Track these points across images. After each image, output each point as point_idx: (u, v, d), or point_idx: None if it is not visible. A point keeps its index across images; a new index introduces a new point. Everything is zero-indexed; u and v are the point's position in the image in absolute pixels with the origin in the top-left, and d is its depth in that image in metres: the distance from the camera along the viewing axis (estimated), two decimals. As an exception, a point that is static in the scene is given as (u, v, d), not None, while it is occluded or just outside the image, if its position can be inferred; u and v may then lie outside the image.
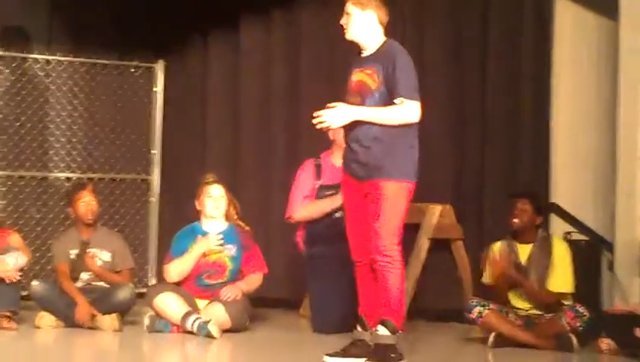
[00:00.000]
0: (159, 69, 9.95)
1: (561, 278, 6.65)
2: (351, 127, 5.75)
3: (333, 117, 5.69)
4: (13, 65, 9.30)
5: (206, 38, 9.65)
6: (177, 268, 7.22)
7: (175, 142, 9.87)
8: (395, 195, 5.69)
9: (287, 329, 7.46)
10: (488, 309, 6.59)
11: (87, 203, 7.62)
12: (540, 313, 6.65)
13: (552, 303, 6.57)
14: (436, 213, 7.64)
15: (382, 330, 5.69)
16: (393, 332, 5.69)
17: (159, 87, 9.96)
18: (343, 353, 5.79)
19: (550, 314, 6.57)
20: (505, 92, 7.81)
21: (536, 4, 7.71)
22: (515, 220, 6.79)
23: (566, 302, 6.56)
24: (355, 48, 5.94)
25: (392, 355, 5.65)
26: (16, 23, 9.21)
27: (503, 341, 6.50)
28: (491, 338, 6.55)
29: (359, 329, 5.87)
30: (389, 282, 5.67)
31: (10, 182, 9.27)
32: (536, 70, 7.69)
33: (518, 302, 6.73)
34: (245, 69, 9.40)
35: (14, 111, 9.28)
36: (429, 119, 7.84)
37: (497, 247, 6.85)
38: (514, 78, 7.79)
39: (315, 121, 5.72)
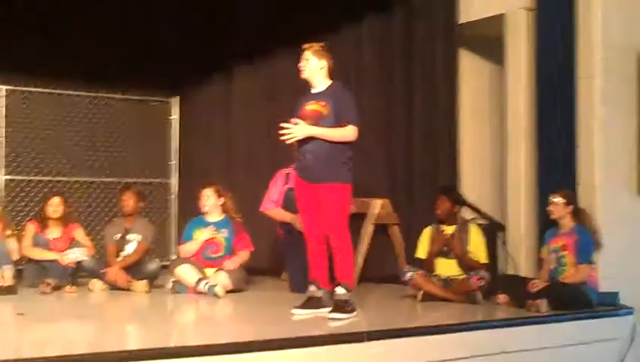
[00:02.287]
0: (174, 102, 9.90)
1: (479, 252, 6.63)
2: (305, 141, 5.68)
3: (296, 131, 5.64)
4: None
5: (210, 79, 9.58)
6: (186, 249, 7.21)
7: (187, 155, 9.81)
8: (339, 194, 5.65)
9: (272, 290, 7.38)
10: (417, 274, 6.55)
11: (125, 201, 7.55)
12: (454, 277, 6.60)
13: (472, 266, 6.53)
14: (378, 206, 7.59)
15: (339, 290, 5.65)
16: (348, 290, 5.66)
17: (174, 116, 9.91)
18: (304, 306, 5.76)
19: (462, 277, 6.54)
20: (425, 116, 7.72)
21: (446, 54, 7.68)
22: (438, 211, 6.76)
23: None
24: (307, 85, 5.88)
25: (349, 307, 5.63)
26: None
27: (427, 297, 6.47)
28: (419, 296, 6.51)
29: (313, 288, 5.82)
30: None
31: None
32: (448, 98, 7.61)
33: (440, 270, 6.68)
34: (237, 103, 9.34)
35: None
36: (369, 135, 7.86)
37: (428, 231, 6.81)
38: (432, 108, 7.71)
39: (282, 132, 5.65)
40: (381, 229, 7.67)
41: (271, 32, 8.56)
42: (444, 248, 6.65)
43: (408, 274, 6.56)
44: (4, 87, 8.80)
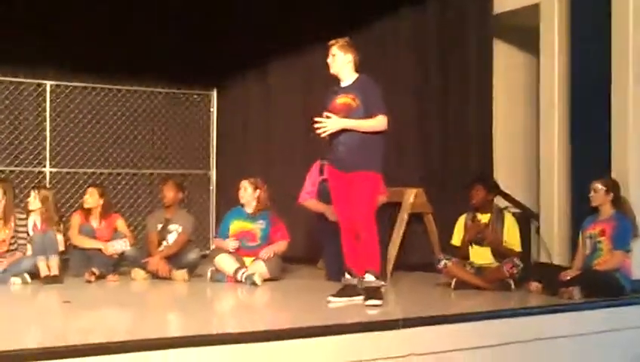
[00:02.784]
0: (213, 96, 9.99)
1: (513, 241, 6.64)
2: (338, 133, 5.76)
3: (329, 125, 5.72)
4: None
5: (248, 73, 9.67)
6: (219, 246, 7.33)
7: (226, 147, 9.89)
8: (370, 182, 5.73)
9: (309, 278, 7.46)
10: (451, 262, 6.59)
11: (165, 192, 7.68)
12: (488, 264, 6.63)
13: (506, 255, 6.55)
14: (412, 195, 7.61)
15: (368, 277, 5.72)
16: (377, 277, 5.73)
17: (214, 109, 10.00)
18: (340, 294, 5.82)
19: (495, 265, 6.57)
20: (459, 106, 7.73)
21: (480, 44, 7.67)
22: (473, 200, 6.78)
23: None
24: (335, 80, 5.95)
25: (377, 294, 5.69)
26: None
27: (461, 284, 6.51)
28: (453, 283, 6.55)
29: (347, 276, 5.88)
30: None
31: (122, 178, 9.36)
32: (482, 88, 7.59)
33: (474, 257, 6.71)
34: (274, 96, 9.41)
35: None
36: (403, 126, 7.93)
37: (463, 218, 6.84)
38: (466, 99, 7.73)
39: (316, 127, 5.74)
40: (416, 218, 7.70)
41: (306, 27, 8.62)
42: (478, 236, 6.68)
43: (442, 262, 6.59)
44: (49, 83, 8.97)
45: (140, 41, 8.99)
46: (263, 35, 9.09)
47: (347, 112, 5.75)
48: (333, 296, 5.83)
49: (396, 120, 7.94)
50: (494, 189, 6.93)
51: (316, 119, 5.73)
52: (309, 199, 7.38)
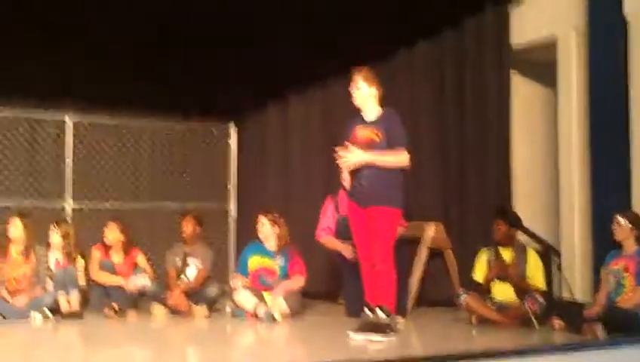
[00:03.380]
0: (232, 129, 10.03)
1: (537, 278, 6.59)
2: (360, 167, 5.75)
3: (351, 158, 5.71)
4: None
5: (265, 106, 9.71)
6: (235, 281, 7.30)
7: (245, 180, 9.91)
8: (389, 218, 5.70)
9: (328, 314, 7.42)
10: (471, 297, 6.55)
11: (184, 226, 7.69)
12: (510, 301, 6.58)
13: (529, 291, 6.49)
14: (432, 230, 7.59)
15: (380, 313, 5.71)
16: (387, 314, 5.72)
17: (232, 142, 10.04)
18: (360, 329, 5.78)
19: (517, 301, 6.51)
20: (478, 140, 7.72)
21: (498, 78, 7.67)
22: (495, 236, 6.73)
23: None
24: (357, 111, 5.94)
25: (388, 330, 5.66)
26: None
27: (482, 320, 6.46)
28: (473, 319, 6.51)
29: (367, 312, 5.85)
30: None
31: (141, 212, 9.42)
32: (500, 122, 7.60)
33: (496, 293, 6.66)
34: (293, 128, 9.43)
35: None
36: (421, 159, 7.92)
37: (485, 253, 6.79)
38: (484, 132, 7.72)
39: (337, 158, 5.73)
40: (435, 253, 7.67)
41: (324, 59, 8.65)
42: (501, 274, 6.61)
43: (462, 297, 6.55)
44: (70, 118, 9.04)
45: (159, 75, 9.04)
46: (281, 68, 9.13)
47: (370, 146, 5.75)
48: (354, 331, 5.80)
49: (413, 153, 7.93)
50: (516, 224, 6.87)
51: (338, 150, 5.73)
52: (324, 236, 7.36)
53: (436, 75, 8.10)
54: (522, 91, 7.97)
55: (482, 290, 6.65)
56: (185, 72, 9.14)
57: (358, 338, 5.69)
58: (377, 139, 5.76)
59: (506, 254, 6.70)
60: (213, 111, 9.70)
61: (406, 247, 7.17)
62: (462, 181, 7.82)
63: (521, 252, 6.69)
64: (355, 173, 5.80)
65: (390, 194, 5.72)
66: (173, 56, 9.06)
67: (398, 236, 6.78)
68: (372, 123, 5.84)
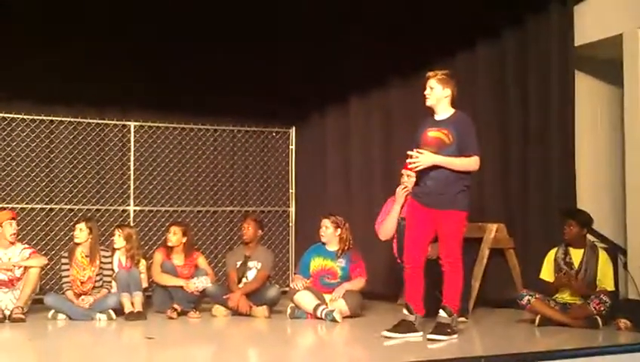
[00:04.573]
0: (292, 133, 10.08)
1: (607, 280, 6.46)
2: (429, 168, 5.72)
3: (422, 160, 5.68)
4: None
5: (325, 110, 9.74)
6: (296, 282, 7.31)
7: (306, 184, 9.95)
8: (457, 221, 5.67)
9: (388, 315, 7.36)
10: (535, 298, 6.45)
11: (245, 229, 7.75)
12: (573, 300, 6.47)
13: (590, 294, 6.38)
14: (493, 230, 7.52)
15: (442, 313, 5.69)
16: (450, 315, 5.68)
17: (293, 146, 10.09)
18: (395, 329, 5.80)
19: (581, 301, 6.39)
20: (541, 139, 7.61)
21: (562, 77, 7.55)
22: (566, 236, 6.61)
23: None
24: (429, 111, 5.91)
25: (449, 330, 5.65)
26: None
27: (545, 321, 6.36)
28: (537, 320, 6.42)
29: (405, 312, 5.84)
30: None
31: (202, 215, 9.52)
32: (564, 120, 7.45)
33: (559, 294, 6.57)
34: (353, 131, 9.44)
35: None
36: (484, 159, 7.76)
37: (553, 252, 6.67)
38: (547, 130, 7.59)
39: (408, 161, 5.71)
40: (497, 253, 7.58)
41: (385, 63, 8.64)
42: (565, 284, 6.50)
43: (525, 298, 6.47)
44: (133, 123, 9.21)
45: (220, 80, 9.16)
46: (341, 71, 9.15)
47: (439, 147, 5.72)
48: (388, 330, 5.79)
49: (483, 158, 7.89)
50: (588, 224, 6.71)
51: (409, 153, 5.72)
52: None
53: (498, 75, 8.01)
54: (585, 89, 7.83)
55: (548, 291, 6.54)
56: (246, 76, 9.23)
57: (392, 338, 5.71)
58: (447, 141, 5.72)
59: (577, 255, 6.57)
60: (275, 115, 9.77)
61: (468, 248, 7.10)
62: (525, 180, 7.71)
63: (592, 253, 6.56)
64: (422, 173, 5.78)
65: (456, 198, 5.70)
66: (235, 61, 9.17)
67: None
68: (443, 123, 5.80)
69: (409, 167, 5.77)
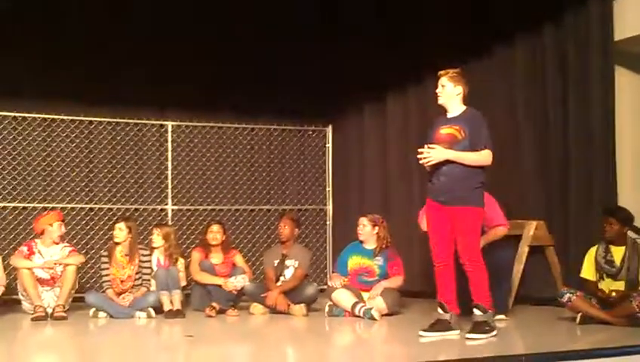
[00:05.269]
0: (329, 131, 10.09)
1: None
2: (440, 164, 5.70)
3: (433, 155, 5.66)
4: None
5: (362, 108, 9.73)
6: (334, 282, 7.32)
7: (343, 182, 9.95)
8: (473, 217, 5.64)
9: (427, 313, 7.35)
10: (575, 295, 6.38)
11: (282, 227, 7.77)
12: (617, 289, 6.36)
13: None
14: (532, 227, 7.46)
15: (476, 311, 5.65)
16: (484, 312, 5.65)
17: (330, 144, 10.09)
18: (430, 328, 5.78)
19: (625, 301, 6.28)
20: (581, 135, 7.51)
21: (601, 71, 7.46)
22: (607, 234, 6.51)
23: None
24: (442, 110, 5.89)
25: (487, 328, 5.62)
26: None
27: (587, 319, 6.29)
28: (578, 318, 6.34)
29: (440, 311, 5.81)
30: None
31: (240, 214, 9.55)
32: (604, 117, 7.36)
33: (603, 285, 6.47)
34: (390, 131, 9.41)
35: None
36: (523, 156, 7.79)
37: (594, 250, 6.58)
38: (587, 127, 7.50)
39: (419, 157, 5.69)
40: (537, 250, 7.52)
41: (422, 59, 8.60)
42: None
43: (566, 296, 6.41)
44: (170, 123, 9.29)
45: (256, 79, 9.21)
46: (378, 68, 9.14)
47: (452, 143, 5.71)
48: (425, 330, 5.78)
49: (515, 149, 7.82)
50: (629, 222, 6.60)
51: (420, 150, 5.71)
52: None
53: (537, 70, 7.94)
54: (626, 84, 7.72)
55: (589, 289, 6.46)
56: (283, 75, 9.27)
57: (428, 337, 5.69)
58: (459, 137, 5.71)
59: (618, 253, 6.48)
60: (311, 113, 9.79)
61: (509, 245, 7.07)
62: (565, 177, 7.63)
63: (633, 250, 6.45)
64: (435, 169, 5.77)
65: (471, 194, 5.68)
66: (273, 60, 9.21)
67: (501, 235, 6.75)
68: (455, 120, 5.80)
69: (420, 162, 5.75)
